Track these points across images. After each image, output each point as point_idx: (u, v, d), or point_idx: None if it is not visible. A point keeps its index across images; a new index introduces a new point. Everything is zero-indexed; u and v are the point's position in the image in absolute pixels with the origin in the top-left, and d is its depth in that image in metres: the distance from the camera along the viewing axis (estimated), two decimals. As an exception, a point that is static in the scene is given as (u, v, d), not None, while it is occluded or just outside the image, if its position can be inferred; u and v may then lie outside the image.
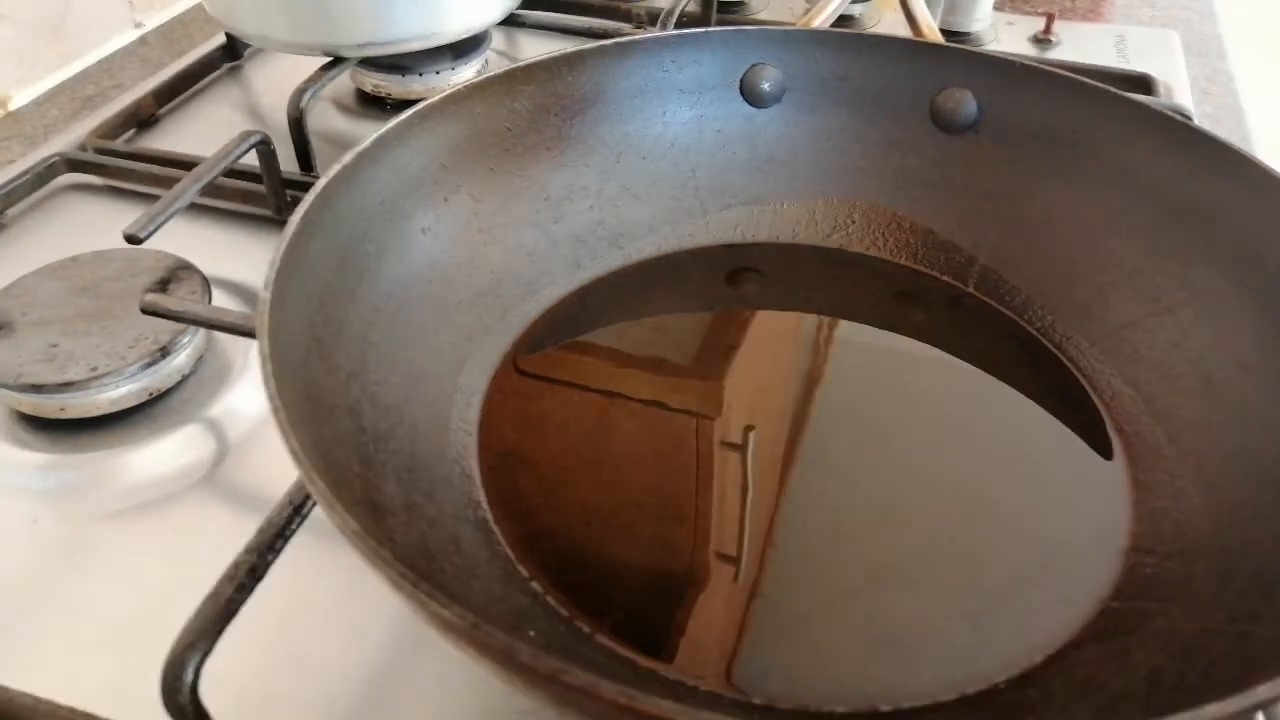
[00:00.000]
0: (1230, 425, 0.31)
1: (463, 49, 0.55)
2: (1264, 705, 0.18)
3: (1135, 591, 0.28)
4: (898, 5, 0.50)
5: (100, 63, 0.61)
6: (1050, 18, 0.62)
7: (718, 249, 0.41)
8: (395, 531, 0.26)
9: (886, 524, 0.31)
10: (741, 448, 0.34)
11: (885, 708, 0.26)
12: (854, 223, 0.41)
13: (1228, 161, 0.33)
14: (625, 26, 0.62)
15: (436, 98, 0.34)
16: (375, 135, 0.32)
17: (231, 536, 0.26)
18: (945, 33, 0.59)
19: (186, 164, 0.46)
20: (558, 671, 0.17)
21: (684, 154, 0.41)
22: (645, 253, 0.40)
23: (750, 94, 0.41)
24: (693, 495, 0.32)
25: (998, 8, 0.64)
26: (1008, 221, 0.39)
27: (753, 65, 0.41)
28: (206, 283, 0.39)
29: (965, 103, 0.39)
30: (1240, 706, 0.18)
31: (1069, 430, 0.34)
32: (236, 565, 0.25)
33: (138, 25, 0.65)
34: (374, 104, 0.55)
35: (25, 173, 0.47)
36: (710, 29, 0.41)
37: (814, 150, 0.41)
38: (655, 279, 0.40)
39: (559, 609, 0.28)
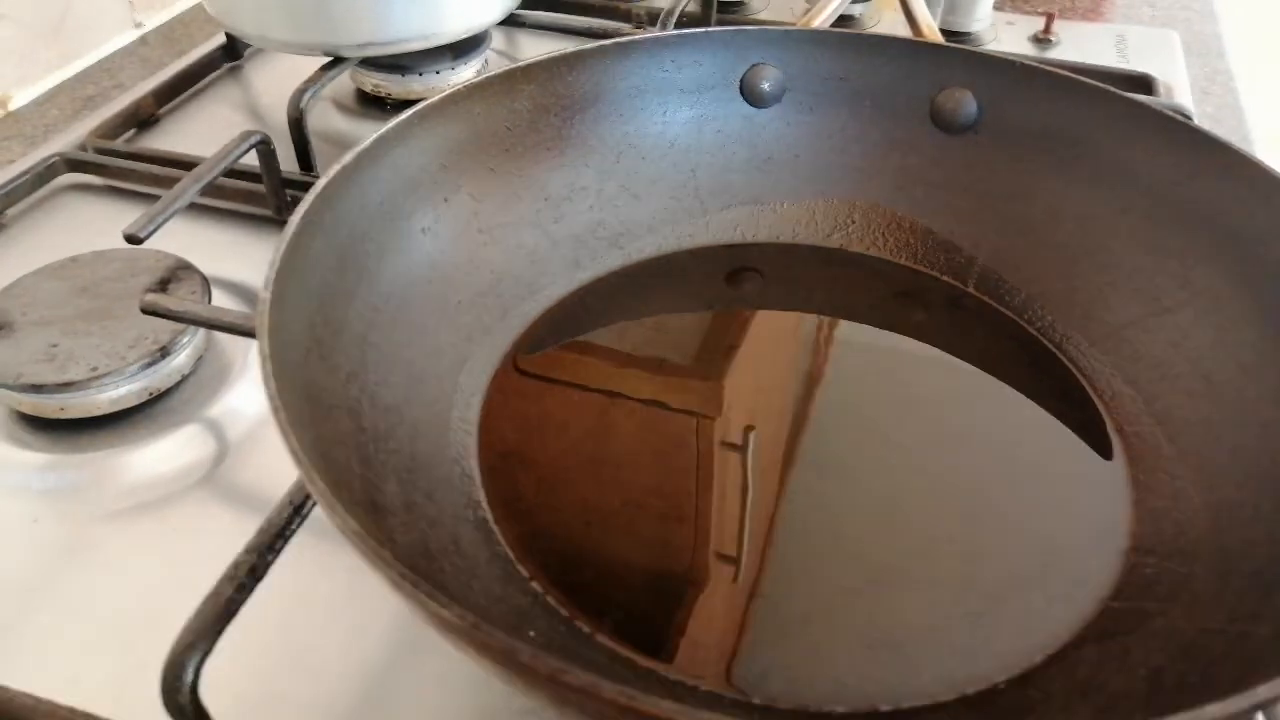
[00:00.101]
0: (1230, 425, 0.31)
1: (463, 49, 0.55)
2: (1264, 705, 0.18)
3: (1135, 591, 0.28)
4: (898, 5, 0.50)
5: (100, 63, 0.61)
6: (1050, 18, 0.62)
7: (718, 249, 0.41)
8: (395, 531, 0.26)
9: (886, 524, 0.31)
10: (741, 448, 0.34)
11: (885, 708, 0.26)
12: (854, 223, 0.41)
13: (1228, 161, 0.33)
14: (625, 26, 0.62)
15: (436, 98, 0.34)
16: (375, 135, 0.32)
17: (231, 536, 0.26)
18: (945, 33, 0.59)
19: (186, 164, 0.46)
20: (558, 671, 0.17)
21: (684, 154, 0.41)
22: (645, 253, 0.40)
23: (750, 94, 0.41)
24: (693, 495, 0.32)
25: (998, 8, 0.64)
26: (1008, 221, 0.39)
27: (753, 65, 0.41)
28: (206, 283, 0.39)
29: (965, 103, 0.39)
30: (1240, 706, 0.18)
31: (1069, 430, 0.34)
32: (236, 565, 0.25)
33: (138, 25, 0.65)
34: (374, 104, 0.55)
35: (25, 173, 0.47)
36: (710, 29, 0.41)
37: (814, 150, 0.41)
38: (655, 279, 0.40)
39: (559, 609, 0.28)
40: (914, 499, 0.32)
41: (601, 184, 0.40)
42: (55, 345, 0.36)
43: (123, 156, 0.49)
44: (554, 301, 0.38)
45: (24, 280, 0.39)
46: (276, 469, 0.34)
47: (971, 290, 0.39)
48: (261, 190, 0.45)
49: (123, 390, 0.35)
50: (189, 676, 0.23)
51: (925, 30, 0.48)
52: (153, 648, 0.24)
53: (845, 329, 0.39)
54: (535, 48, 0.61)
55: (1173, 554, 0.29)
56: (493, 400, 0.34)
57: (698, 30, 0.40)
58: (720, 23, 0.61)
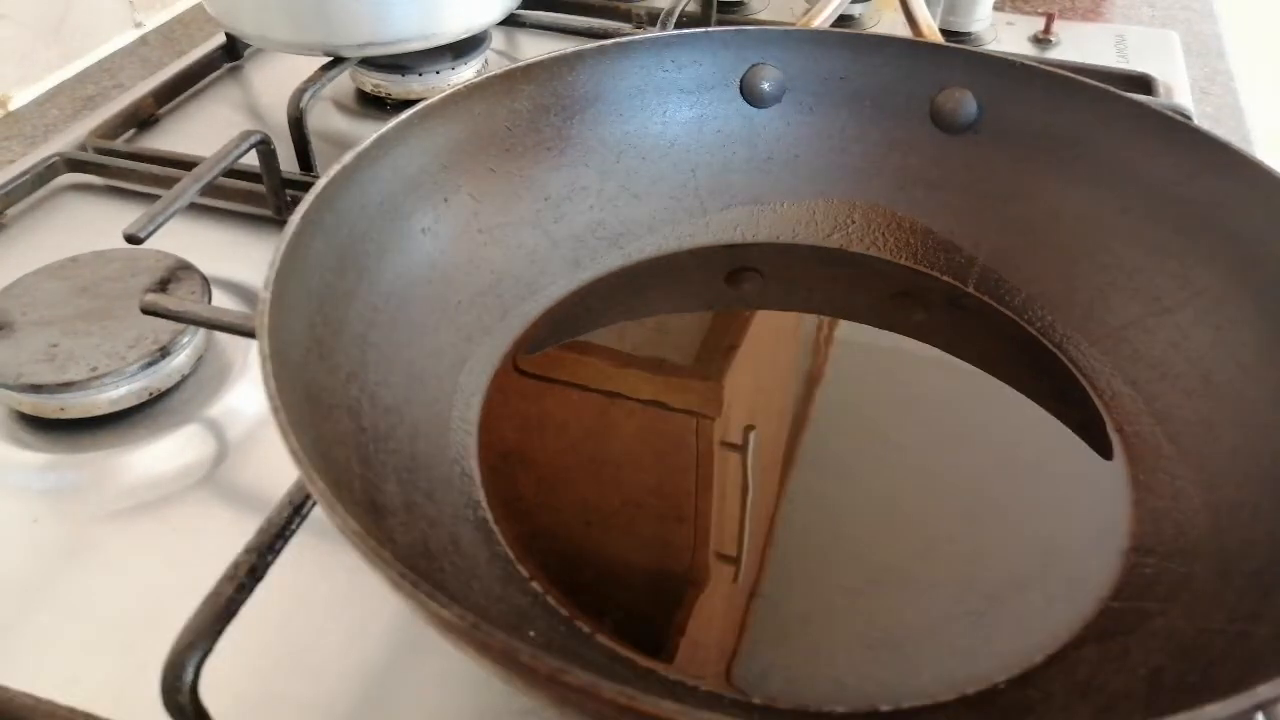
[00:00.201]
0: (1230, 425, 0.31)
1: (463, 49, 0.55)
2: (1264, 705, 0.18)
3: (1135, 591, 0.28)
4: (898, 5, 0.50)
5: (100, 63, 0.61)
6: (1050, 18, 0.62)
7: (718, 249, 0.41)
8: (395, 531, 0.26)
9: (886, 524, 0.31)
10: (741, 448, 0.34)
11: (885, 708, 0.26)
12: (854, 223, 0.41)
13: (1228, 161, 0.33)
14: (625, 26, 0.62)
15: (436, 98, 0.34)
16: (375, 135, 0.32)
17: (231, 536, 0.26)
18: (945, 33, 0.59)
19: (186, 164, 0.46)
20: (558, 671, 0.17)
21: (684, 154, 0.41)
22: (645, 253, 0.40)
23: (750, 94, 0.41)
24: (693, 495, 0.32)
25: (998, 8, 0.64)
26: (1008, 221, 0.39)
27: (753, 65, 0.41)
28: (206, 283, 0.39)
29: (965, 103, 0.39)
30: (1240, 707, 0.18)
31: (1069, 430, 0.34)
32: (236, 565, 0.25)
33: (138, 25, 0.65)
34: (374, 104, 0.55)
35: (25, 173, 0.47)
36: (710, 29, 0.41)
37: (814, 150, 0.41)
38: (655, 279, 0.40)
39: (559, 609, 0.28)
40: (914, 499, 0.32)
41: (601, 184, 0.40)
42: (55, 345, 0.36)
43: (123, 156, 0.49)
44: (554, 301, 0.38)
45: (24, 280, 0.39)
46: (276, 469, 0.34)
47: (971, 290, 0.39)
48: (261, 190, 0.45)
49: (123, 390, 0.35)
50: (189, 676, 0.23)
51: (925, 30, 0.48)
52: (153, 648, 0.24)
53: (845, 329, 0.39)
54: (535, 48, 0.61)
55: (1173, 554, 0.29)
56: (493, 400, 0.34)
57: (698, 30, 0.40)
58: (720, 23, 0.61)
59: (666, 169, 0.41)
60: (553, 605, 0.28)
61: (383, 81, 0.54)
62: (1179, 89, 0.56)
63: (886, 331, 0.38)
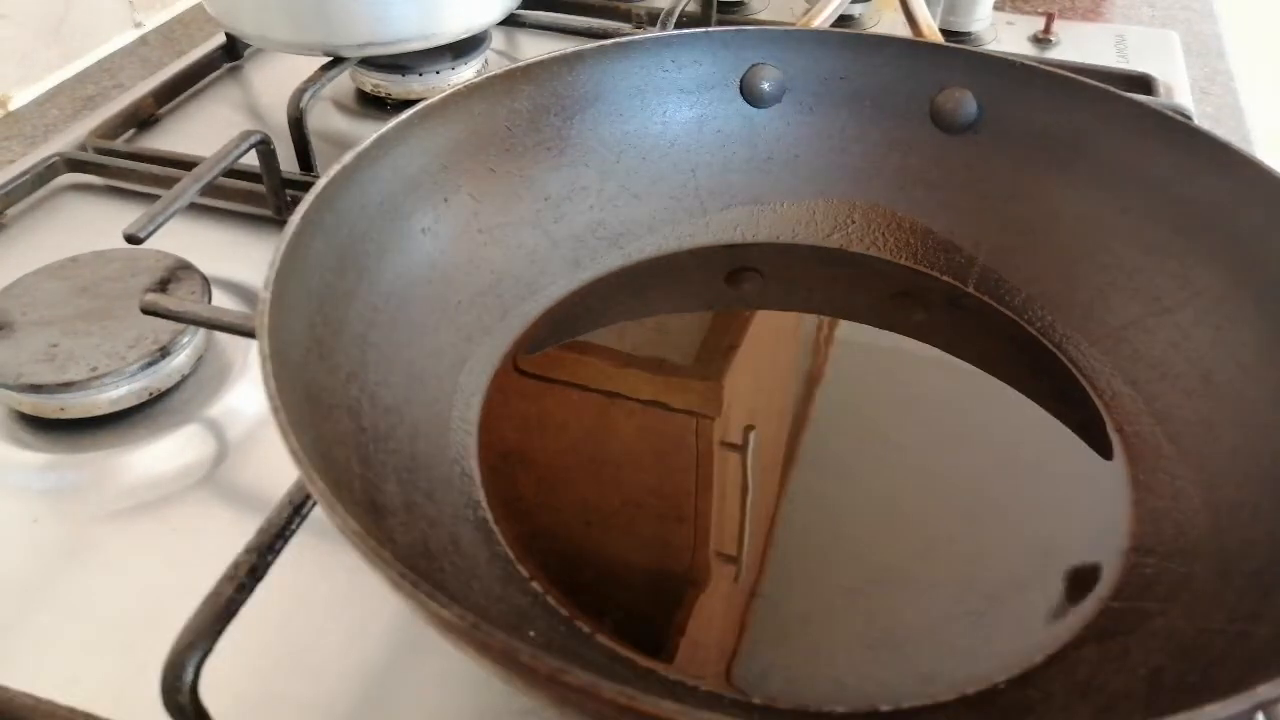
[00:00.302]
0: (1230, 425, 0.31)
1: (463, 49, 0.55)
2: (1264, 705, 0.18)
3: (1135, 591, 0.28)
4: (898, 5, 0.50)
5: (100, 63, 0.61)
6: (1050, 18, 0.62)
7: (718, 249, 0.41)
8: (395, 531, 0.26)
9: (886, 524, 0.31)
10: (741, 448, 0.34)
11: (885, 708, 0.26)
12: (854, 223, 0.41)
13: (1228, 161, 0.33)
14: (625, 26, 0.62)
15: (436, 98, 0.34)
16: (375, 135, 0.32)
17: (231, 536, 0.26)
18: (945, 33, 0.59)
19: (186, 164, 0.46)
20: (558, 671, 0.17)
21: (684, 154, 0.41)
22: (645, 253, 0.40)
23: (750, 94, 0.41)
24: (693, 495, 0.32)
25: (998, 8, 0.64)
26: (1008, 221, 0.39)
27: (753, 65, 0.41)
28: (206, 283, 0.39)
29: (965, 103, 0.39)
30: (1240, 707, 0.18)
31: (1069, 430, 0.34)
32: (236, 565, 0.25)
33: (138, 25, 0.65)
34: (374, 104, 0.55)
35: (25, 173, 0.47)
36: (710, 29, 0.41)
37: (814, 150, 0.41)
38: (655, 279, 0.40)
39: (559, 609, 0.28)
40: (914, 499, 0.32)
41: (602, 184, 0.40)
42: (55, 345, 0.36)
43: (123, 156, 0.49)
44: (554, 301, 0.38)
45: (24, 280, 0.39)
46: (276, 469, 0.34)
47: (971, 290, 0.39)
48: (261, 190, 0.45)
49: (123, 390, 0.35)
50: (189, 676, 0.23)
51: (925, 30, 0.48)
52: (153, 648, 0.24)
53: (845, 329, 0.39)
54: (535, 48, 0.61)
55: (1173, 554, 0.29)
56: (493, 400, 0.34)
57: (698, 30, 0.40)
58: (720, 23, 0.61)
59: (666, 169, 0.41)
60: (553, 605, 0.28)
61: (383, 81, 0.54)
62: (1179, 89, 0.56)
63: (886, 331, 0.38)
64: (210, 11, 0.52)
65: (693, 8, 0.59)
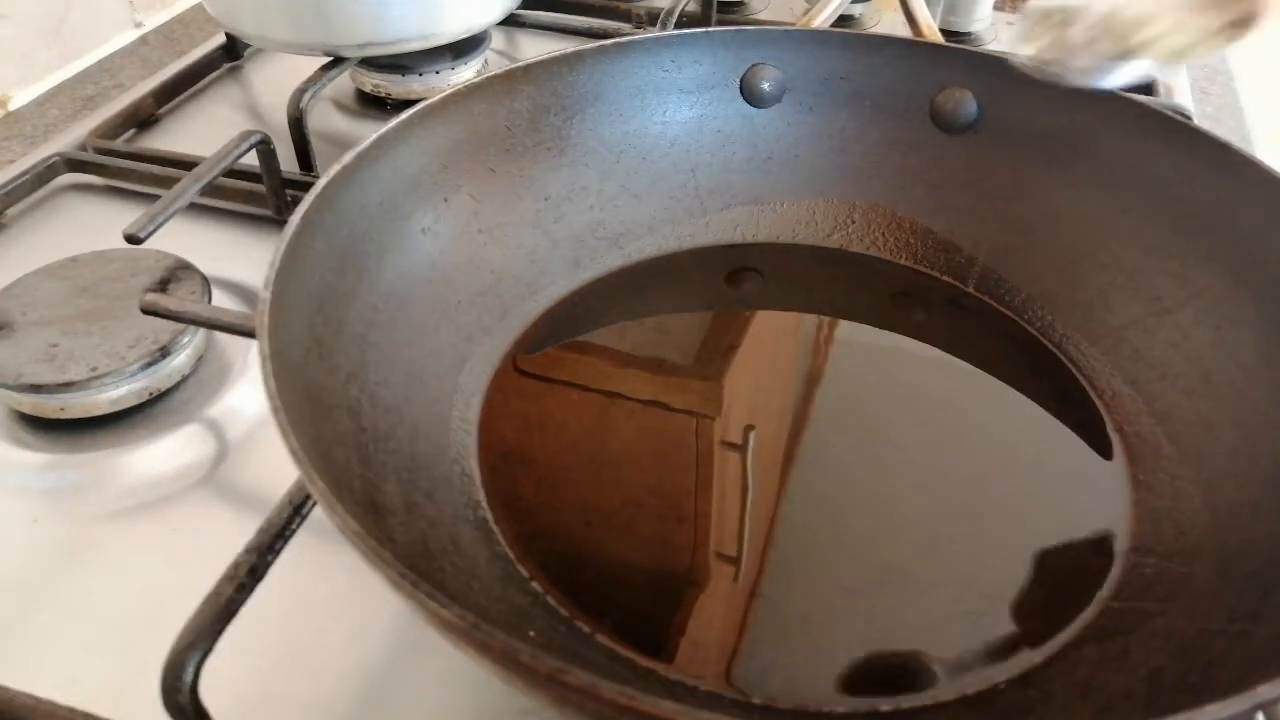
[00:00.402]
0: (1230, 425, 0.31)
1: (463, 49, 0.55)
2: (1264, 705, 0.18)
3: (1135, 591, 0.28)
4: (898, 5, 0.50)
5: (100, 63, 0.61)
6: (1050, 18, 0.62)
7: (718, 249, 0.41)
8: (395, 531, 0.26)
9: (886, 524, 0.31)
10: (741, 448, 0.34)
11: (885, 708, 0.26)
12: (854, 223, 0.41)
13: (1228, 161, 0.33)
14: (625, 26, 0.62)
15: (436, 98, 0.34)
16: (375, 135, 0.32)
17: (231, 536, 0.26)
18: (945, 33, 0.59)
19: (186, 164, 0.46)
20: (558, 671, 0.17)
21: (684, 154, 0.41)
22: (645, 253, 0.40)
23: (750, 94, 0.41)
24: (693, 495, 0.32)
25: (998, 8, 0.64)
26: (1008, 221, 0.39)
27: (753, 65, 0.41)
28: (206, 283, 0.39)
29: (965, 103, 0.39)
30: (1240, 707, 0.18)
31: (1069, 430, 0.34)
32: (236, 565, 0.25)
33: (138, 25, 0.65)
34: (374, 104, 0.55)
35: (25, 173, 0.47)
36: (710, 29, 0.41)
37: (814, 150, 0.41)
38: (655, 279, 0.40)
39: (559, 609, 0.28)
40: (914, 499, 0.32)
41: (601, 184, 0.40)
42: (55, 345, 0.36)
43: (123, 156, 0.48)
44: (554, 301, 0.38)
45: (24, 280, 0.39)
46: (276, 469, 0.34)
47: (971, 290, 0.39)
48: (261, 190, 0.45)
49: (123, 390, 0.35)
50: (189, 676, 0.23)
51: (925, 30, 0.48)
52: (153, 648, 0.24)
53: (845, 329, 0.39)
54: (535, 48, 0.61)
55: (1173, 554, 0.29)
56: (493, 400, 0.34)
57: (698, 30, 0.40)
58: (720, 23, 0.61)
59: (666, 169, 0.41)
60: (553, 605, 0.28)
61: (383, 81, 0.54)
62: (1179, 89, 0.56)
63: (886, 331, 0.38)
64: (210, 11, 0.52)
65: (693, 8, 0.59)
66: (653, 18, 0.61)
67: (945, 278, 0.40)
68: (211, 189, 0.42)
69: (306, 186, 0.38)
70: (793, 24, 0.51)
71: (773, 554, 0.30)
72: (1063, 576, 0.29)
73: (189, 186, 0.40)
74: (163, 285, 0.39)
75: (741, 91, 0.41)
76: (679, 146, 0.41)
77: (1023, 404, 0.35)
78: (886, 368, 0.37)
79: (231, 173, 0.43)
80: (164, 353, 0.36)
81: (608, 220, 0.40)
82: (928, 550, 0.30)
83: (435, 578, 0.25)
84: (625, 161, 0.40)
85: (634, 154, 0.40)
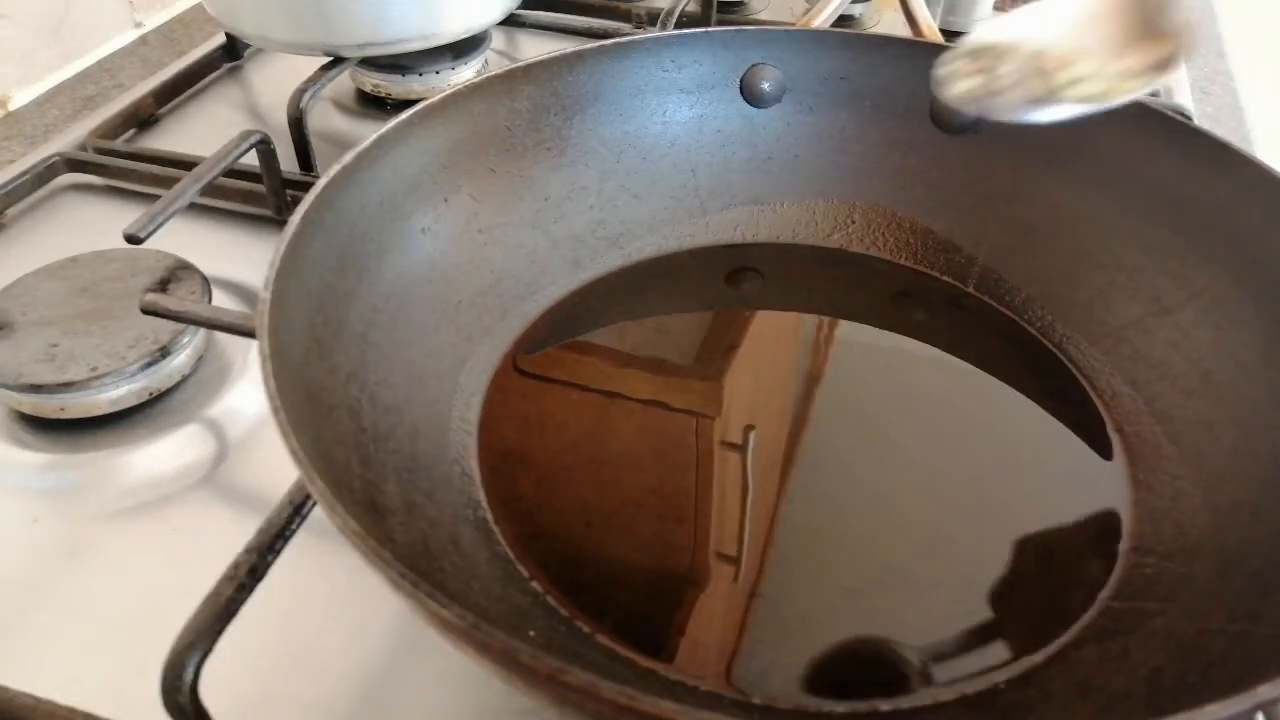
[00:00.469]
0: (1230, 425, 0.31)
1: (463, 49, 0.55)
2: (1264, 705, 0.18)
3: (1135, 591, 0.28)
4: (898, 5, 0.50)
5: (100, 63, 0.61)
6: (1050, 18, 0.62)
7: (718, 249, 0.41)
8: (395, 531, 0.26)
9: (886, 524, 0.31)
10: (741, 448, 0.34)
11: (885, 708, 0.26)
12: (854, 223, 0.41)
13: (1228, 161, 0.33)
14: (625, 26, 0.62)
15: (436, 98, 0.34)
16: (375, 135, 0.32)
17: (231, 536, 0.26)
18: (945, 33, 0.59)
19: (186, 164, 0.46)
20: (558, 671, 0.17)
21: (684, 154, 0.41)
22: (645, 253, 0.40)
23: (750, 94, 0.41)
24: (693, 495, 0.32)
25: (998, 8, 0.64)
26: (1008, 221, 0.39)
27: (753, 65, 0.41)
28: (206, 283, 0.39)
29: (965, 103, 0.39)
30: (1240, 707, 0.18)
31: (1069, 430, 0.34)
32: (236, 565, 0.25)
33: (138, 25, 0.65)
34: (374, 104, 0.55)
35: (25, 173, 0.47)
36: (710, 29, 0.41)
37: (814, 150, 0.41)
38: (655, 279, 0.40)
39: (559, 609, 0.28)
40: (914, 499, 0.32)
41: (601, 184, 0.40)
42: (55, 345, 0.36)
43: (123, 156, 0.48)
44: (554, 301, 0.38)
45: (24, 280, 0.39)
46: (276, 469, 0.34)
47: (971, 290, 0.39)
48: (261, 190, 0.45)
49: (123, 390, 0.35)
50: (189, 676, 0.23)
51: (925, 30, 0.48)
52: (153, 648, 0.24)
53: (845, 329, 0.39)
54: (535, 48, 0.61)
55: (1173, 554, 0.29)
56: (493, 400, 0.34)
57: (698, 30, 0.40)
58: (720, 23, 0.61)
59: (666, 169, 0.41)
60: (553, 605, 0.28)
61: (383, 81, 0.54)
62: (1179, 89, 0.56)
63: (886, 331, 0.38)
64: (210, 11, 0.52)
65: (693, 8, 0.59)
66: (653, 18, 0.61)
67: (945, 278, 0.40)
68: (211, 189, 0.42)
69: (306, 186, 0.38)
70: (793, 24, 0.51)
71: (773, 554, 0.30)
72: (1063, 576, 0.29)
73: (189, 186, 0.40)
74: (163, 285, 0.39)
75: (741, 91, 0.41)
76: (679, 146, 0.41)
77: (1023, 404, 0.35)
78: (886, 368, 0.37)
79: (231, 173, 0.43)
80: (164, 353, 0.36)
81: (608, 220, 0.40)
82: (928, 550, 0.30)
83: (435, 578, 0.25)
84: (625, 161, 0.40)
85: (634, 154, 0.40)
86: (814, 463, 0.33)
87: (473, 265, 0.36)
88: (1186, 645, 0.25)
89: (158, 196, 0.40)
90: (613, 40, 0.39)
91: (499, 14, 0.53)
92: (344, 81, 0.57)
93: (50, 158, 0.48)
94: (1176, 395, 0.33)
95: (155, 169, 0.47)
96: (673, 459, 0.33)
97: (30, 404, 0.35)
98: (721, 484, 0.32)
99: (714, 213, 0.41)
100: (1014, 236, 0.39)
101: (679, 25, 0.55)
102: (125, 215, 0.39)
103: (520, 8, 0.57)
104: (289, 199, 0.45)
